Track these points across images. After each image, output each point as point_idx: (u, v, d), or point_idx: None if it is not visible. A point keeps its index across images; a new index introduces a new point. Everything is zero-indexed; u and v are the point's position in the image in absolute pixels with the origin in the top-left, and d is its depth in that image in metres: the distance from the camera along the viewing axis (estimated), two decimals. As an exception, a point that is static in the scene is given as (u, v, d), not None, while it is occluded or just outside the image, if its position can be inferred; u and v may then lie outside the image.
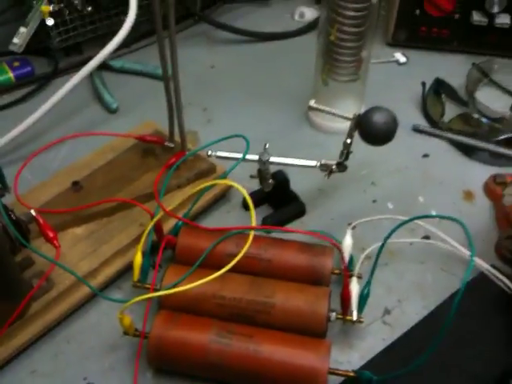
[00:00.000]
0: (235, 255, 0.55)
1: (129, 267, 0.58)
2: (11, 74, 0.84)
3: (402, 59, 0.91)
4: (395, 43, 0.93)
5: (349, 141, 0.60)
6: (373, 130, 0.57)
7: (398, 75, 0.89)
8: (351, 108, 0.78)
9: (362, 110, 0.78)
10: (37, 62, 0.87)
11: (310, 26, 0.97)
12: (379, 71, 0.87)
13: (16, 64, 0.85)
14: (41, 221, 0.52)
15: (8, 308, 0.51)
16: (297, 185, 0.69)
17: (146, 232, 0.57)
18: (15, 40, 0.81)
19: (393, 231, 0.54)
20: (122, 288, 0.60)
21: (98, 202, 0.60)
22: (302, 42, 0.95)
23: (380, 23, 0.93)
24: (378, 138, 0.58)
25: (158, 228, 0.59)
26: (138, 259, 0.56)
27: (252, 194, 0.67)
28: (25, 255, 0.56)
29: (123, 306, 0.50)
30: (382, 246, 0.55)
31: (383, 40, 0.94)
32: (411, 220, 0.55)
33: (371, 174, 0.73)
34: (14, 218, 0.51)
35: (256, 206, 0.67)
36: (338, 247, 0.54)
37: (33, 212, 0.53)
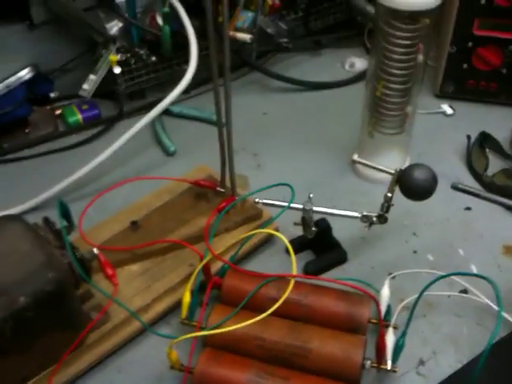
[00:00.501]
0: (276, 299, 0.59)
1: (178, 304, 0.63)
2: (80, 116, 0.92)
3: (449, 111, 0.94)
4: (443, 95, 0.96)
5: (389, 195, 0.63)
6: (413, 186, 0.60)
7: (444, 127, 0.92)
8: (396, 159, 0.81)
9: (407, 162, 0.82)
10: (103, 105, 0.95)
11: (360, 76, 1.01)
12: (426, 122, 0.90)
13: (84, 107, 0.93)
14: (102, 259, 0.58)
15: (68, 337, 0.56)
16: (339, 232, 0.72)
17: (195, 273, 0.62)
18: (85, 86, 0.89)
19: (429, 285, 0.57)
20: (170, 324, 0.65)
21: (153, 242, 0.65)
22: (351, 91, 0.99)
23: (428, 75, 0.97)
24: (418, 194, 0.61)
25: (206, 269, 0.63)
26: (187, 298, 0.61)
27: (295, 240, 0.71)
28: (85, 289, 0.61)
29: (171, 342, 0.54)
30: (419, 298, 0.57)
31: (431, 91, 0.97)
32: (447, 276, 0.58)
33: (413, 224, 0.75)
34: (79, 255, 0.56)
35: (299, 251, 0.71)
36: (374, 299, 0.57)
37: (95, 250, 0.58)
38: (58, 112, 0.93)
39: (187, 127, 0.93)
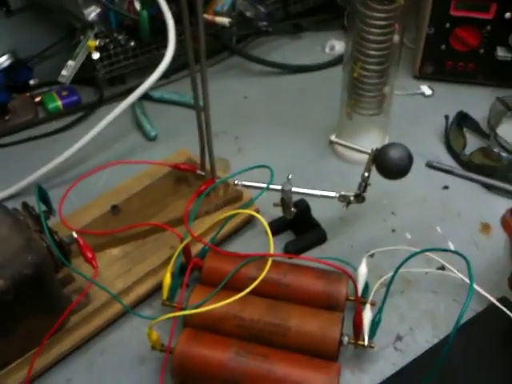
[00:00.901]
0: (256, 279, 0.60)
1: (159, 286, 0.63)
2: (60, 102, 0.91)
3: (428, 92, 0.94)
4: (422, 76, 0.96)
5: (366, 174, 0.64)
6: (388, 165, 0.61)
7: (423, 108, 0.93)
8: (375, 140, 0.82)
9: (386, 142, 0.82)
10: (83, 91, 0.95)
11: (340, 59, 1.00)
12: (405, 103, 0.91)
13: (64, 93, 0.92)
14: (81, 242, 0.58)
15: (49, 320, 0.57)
16: (319, 213, 0.73)
17: (176, 255, 0.62)
18: (64, 72, 0.89)
19: (405, 261, 0.58)
20: (152, 306, 0.65)
21: (133, 226, 0.66)
22: (331, 74, 1.00)
23: (407, 57, 0.97)
24: (393, 172, 0.61)
25: (186, 251, 0.64)
26: (168, 280, 0.61)
27: (275, 221, 0.72)
28: (66, 273, 0.62)
29: (151, 323, 0.55)
30: (394, 274, 0.58)
31: (410, 73, 0.98)
32: (422, 252, 0.59)
33: (392, 204, 0.76)
34: (58, 239, 0.56)
35: (279, 232, 0.72)
36: (351, 277, 0.58)
37: (74, 234, 0.59)
38: (37, 99, 0.93)
39: (168, 112, 0.93)
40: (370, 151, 0.63)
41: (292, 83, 0.99)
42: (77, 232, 0.60)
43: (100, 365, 0.60)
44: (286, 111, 0.93)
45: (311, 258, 0.60)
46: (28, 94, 0.93)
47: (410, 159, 0.61)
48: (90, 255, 0.58)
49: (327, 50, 1.05)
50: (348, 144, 0.65)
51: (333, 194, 0.66)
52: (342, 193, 0.65)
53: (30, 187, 0.77)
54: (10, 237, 0.53)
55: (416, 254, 0.58)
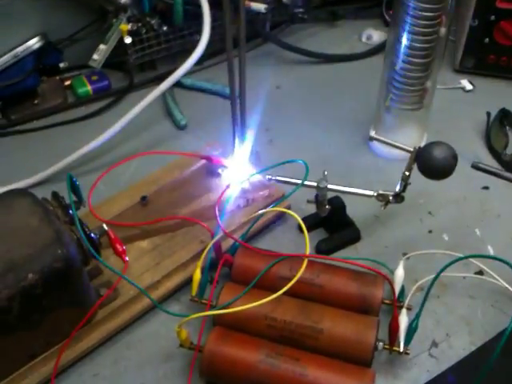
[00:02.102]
0: (288, 278, 0.58)
1: (188, 281, 0.62)
2: (89, 87, 0.90)
3: (469, 86, 0.91)
4: (462, 70, 0.93)
5: (407, 173, 0.61)
6: (431, 164, 0.58)
7: (463, 103, 0.89)
8: (413, 136, 0.79)
9: (425, 139, 0.79)
10: (113, 76, 0.93)
11: (378, 49, 0.98)
12: (444, 98, 0.88)
13: (94, 78, 0.91)
14: (112, 235, 0.57)
15: (77, 314, 0.56)
16: (353, 210, 0.70)
17: (206, 250, 0.61)
18: (95, 56, 0.87)
19: (446, 266, 0.55)
20: (180, 300, 0.64)
21: (163, 219, 0.64)
22: (368, 64, 0.97)
23: (447, 49, 0.93)
24: (436, 173, 0.59)
25: (217, 247, 0.62)
26: (197, 275, 0.60)
27: (308, 218, 0.70)
28: (94, 265, 0.61)
29: (181, 321, 0.53)
30: (435, 279, 0.56)
31: (450, 66, 0.94)
32: (465, 258, 0.56)
33: (429, 203, 0.73)
34: (88, 231, 0.55)
35: (311, 229, 0.70)
36: (388, 280, 0.56)
37: (105, 226, 0.57)
38: (67, 83, 0.91)
39: (199, 100, 0.91)
40: (412, 149, 0.60)
41: (326, 73, 0.96)
42: (106, 223, 0.59)
43: (126, 360, 0.59)
44: (320, 102, 0.90)
45: (346, 260, 0.58)
46: (57, 78, 0.91)
47: (454, 159, 0.58)
48: (120, 249, 0.57)
49: (364, 39, 1.02)
50: (389, 141, 0.63)
51: (370, 192, 0.63)
52: (381, 192, 0.63)
53: (57, 174, 0.76)
54: (39, 228, 0.52)
55: (460, 259, 0.55)
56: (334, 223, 0.69)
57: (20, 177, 0.75)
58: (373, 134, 0.63)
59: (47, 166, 0.76)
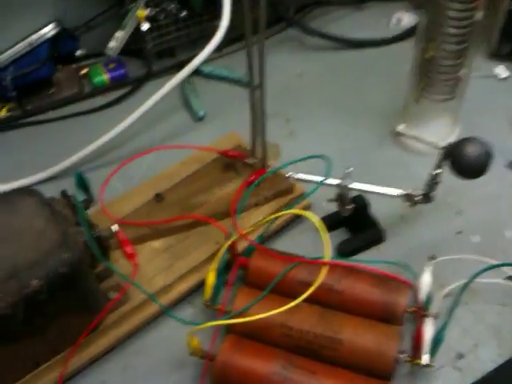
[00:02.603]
0: (307, 283, 0.56)
1: (202, 283, 0.59)
2: (106, 76, 0.87)
3: (504, 74, 0.85)
4: (497, 56, 0.87)
5: (436, 172, 0.57)
6: (463, 163, 0.54)
7: (498, 92, 0.84)
8: (444, 129, 0.74)
9: (457, 132, 0.75)
10: (131, 64, 0.90)
11: (408, 33, 0.92)
12: (478, 86, 0.82)
13: (111, 66, 0.88)
14: (121, 237, 0.54)
15: (84, 320, 0.54)
16: (377, 209, 0.66)
17: (221, 252, 0.58)
18: (111, 44, 0.84)
19: (477, 274, 0.52)
20: (193, 304, 0.61)
21: (176, 218, 0.62)
22: (397, 50, 0.91)
23: (482, 35, 0.88)
24: (468, 172, 0.54)
25: (232, 249, 0.59)
26: (211, 279, 0.57)
27: (329, 217, 0.66)
28: (103, 267, 0.58)
29: (191, 330, 0.51)
30: (464, 288, 0.52)
31: (484, 52, 0.88)
32: (498, 266, 0.52)
33: (458, 202, 0.69)
34: (97, 234, 0.53)
35: (332, 228, 0.66)
36: (412, 286, 0.52)
37: (114, 228, 0.55)
38: (83, 72, 0.89)
39: (217, 89, 0.87)
40: (442, 146, 0.56)
41: (352, 60, 0.91)
42: (117, 222, 0.56)
43: (135, 367, 0.57)
44: (345, 91, 0.85)
45: (367, 264, 0.54)
46: (74, 66, 0.89)
47: (489, 157, 0.54)
48: (129, 251, 0.54)
49: (393, 23, 0.96)
50: (418, 136, 0.58)
51: (396, 192, 0.60)
52: (408, 191, 0.59)
53: (71, 168, 0.74)
54: (45, 230, 0.50)
55: (491, 267, 0.51)
56: (356, 223, 0.65)
57: (32, 171, 0.73)
58: (400, 128, 0.59)
59: (60, 160, 0.74)
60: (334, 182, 0.60)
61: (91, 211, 0.60)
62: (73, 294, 0.51)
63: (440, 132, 0.72)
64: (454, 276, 0.59)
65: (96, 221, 0.61)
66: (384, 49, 0.92)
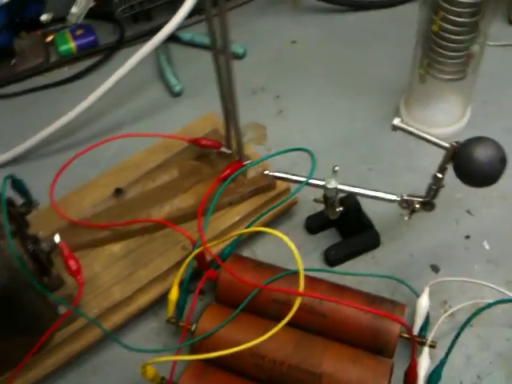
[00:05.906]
0: (283, 302, 0.48)
1: (166, 294, 0.51)
2: (73, 44, 0.77)
3: (528, 43, 0.74)
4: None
5: (440, 175, 0.48)
6: (471, 169, 0.45)
7: (518, 64, 0.73)
8: (454, 110, 0.65)
9: (468, 114, 0.65)
10: (102, 30, 0.80)
11: (417, -6, 0.81)
12: (494, 57, 0.71)
13: (79, 32, 0.78)
14: (65, 252, 0.46)
15: (27, 341, 0.47)
16: (372, 208, 0.57)
17: (185, 264, 0.50)
18: (73, 9, 0.74)
19: (490, 305, 0.45)
20: (158, 315, 0.54)
21: (136, 221, 0.54)
22: (406, 13, 0.80)
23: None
24: (476, 179, 0.46)
25: (200, 258, 0.51)
26: (174, 295, 0.50)
27: (315, 217, 0.59)
28: (55, 275, 0.50)
29: (144, 364, 0.43)
30: (471, 318, 0.45)
31: (502, 17, 0.77)
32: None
33: (468, 199, 0.60)
34: (32, 249, 0.45)
35: (321, 229, 0.58)
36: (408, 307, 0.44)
37: (56, 239, 0.46)
38: (49, 38, 0.79)
39: (198, 58, 0.77)
40: (448, 145, 0.46)
41: (353, 24, 0.80)
42: (71, 223, 0.48)
43: (92, 387, 0.50)
44: (344, 63, 0.75)
45: (355, 304, 0.45)
46: (39, 32, 0.79)
47: (502, 164, 0.44)
48: (74, 267, 0.46)
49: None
50: (417, 132, 0.49)
51: (393, 197, 0.51)
52: (405, 197, 0.50)
53: (30, 152, 0.66)
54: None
55: (508, 301, 0.43)
56: (347, 224, 0.57)
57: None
58: (396, 121, 0.49)
59: (26, 138, 0.66)
60: (319, 182, 0.51)
61: (41, 208, 0.52)
62: (8, 317, 0.44)
63: (448, 114, 0.63)
64: (459, 292, 0.52)
65: (45, 221, 0.54)
66: (392, 11, 0.81)
